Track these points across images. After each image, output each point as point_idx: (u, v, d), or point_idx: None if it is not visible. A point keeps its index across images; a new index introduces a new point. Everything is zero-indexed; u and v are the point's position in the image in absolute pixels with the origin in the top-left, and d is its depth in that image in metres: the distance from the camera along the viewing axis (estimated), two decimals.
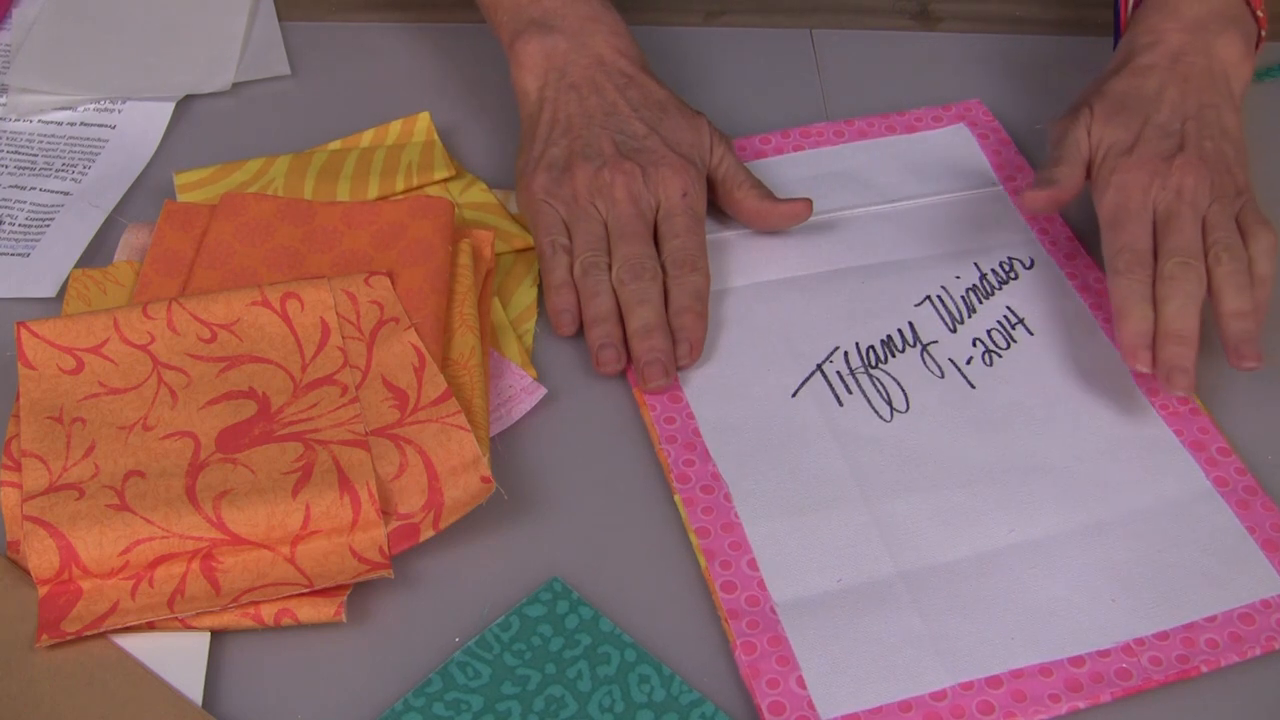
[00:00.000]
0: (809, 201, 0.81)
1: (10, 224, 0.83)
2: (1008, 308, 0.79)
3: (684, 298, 0.75)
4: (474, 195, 0.84)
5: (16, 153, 0.88)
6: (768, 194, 0.81)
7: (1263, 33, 0.83)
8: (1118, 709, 0.62)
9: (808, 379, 0.75)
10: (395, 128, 0.88)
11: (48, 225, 0.82)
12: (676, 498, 0.69)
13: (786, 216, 0.81)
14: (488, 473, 0.67)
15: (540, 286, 0.80)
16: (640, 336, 0.74)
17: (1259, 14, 0.82)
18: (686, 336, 0.75)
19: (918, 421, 0.73)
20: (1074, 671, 0.63)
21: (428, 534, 0.65)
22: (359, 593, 0.65)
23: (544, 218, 0.78)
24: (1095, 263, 0.81)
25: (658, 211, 0.79)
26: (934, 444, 0.72)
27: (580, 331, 0.76)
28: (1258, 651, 0.64)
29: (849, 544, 0.68)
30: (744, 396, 0.74)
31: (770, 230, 0.82)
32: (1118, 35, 0.86)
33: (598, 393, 0.75)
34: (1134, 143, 0.77)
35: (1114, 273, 0.74)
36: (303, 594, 0.63)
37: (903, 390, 0.75)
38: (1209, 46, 0.80)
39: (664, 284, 0.76)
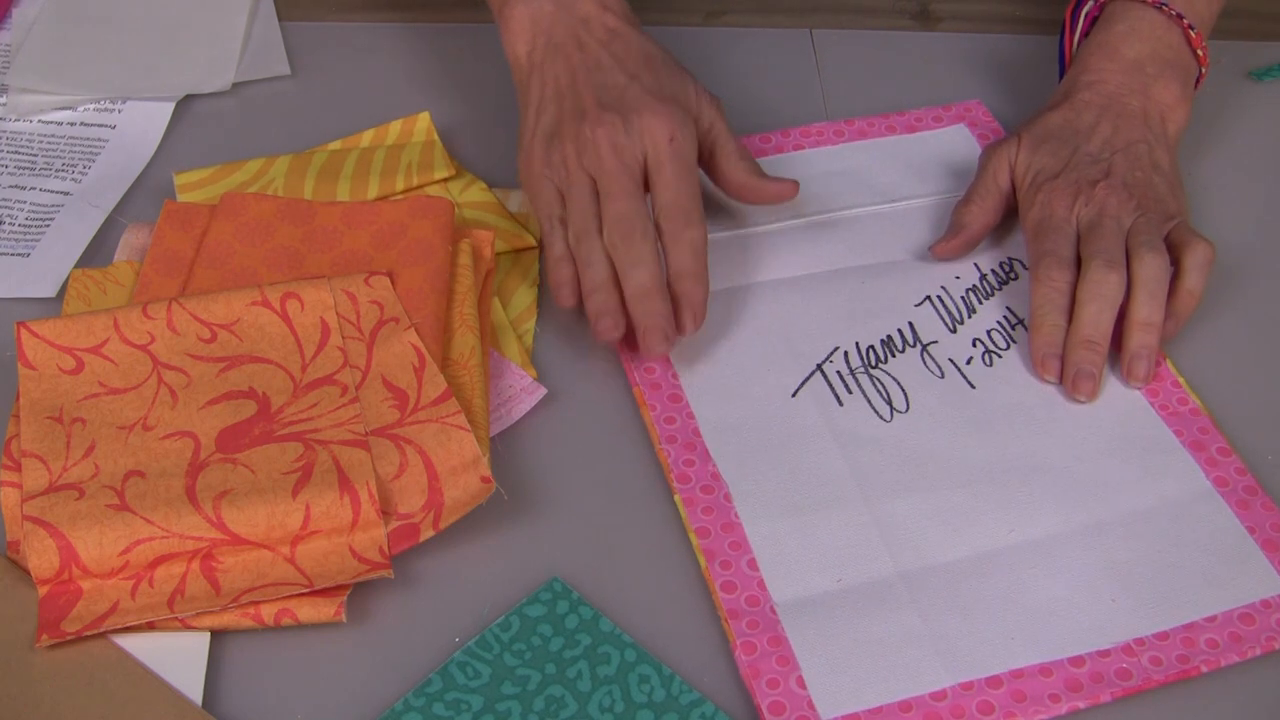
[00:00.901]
0: (796, 183, 0.80)
1: (10, 224, 0.83)
2: (1008, 308, 0.79)
3: (683, 258, 0.73)
4: (474, 195, 0.84)
5: (16, 153, 0.88)
6: (757, 169, 0.80)
7: (1204, 70, 0.84)
8: (1118, 709, 0.62)
9: (808, 379, 0.75)
10: (395, 128, 0.88)
11: (48, 225, 0.82)
12: (676, 498, 0.69)
13: (774, 196, 0.80)
14: (488, 473, 0.67)
15: (540, 286, 0.80)
16: (637, 301, 0.72)
17: (1199, 52, 0.83)
18: (689, 303, 0.73)
19: (918, 421, 0.73)
20: (1074, 671, 0.63)
21: (428, 534, 0.65)
22: (359, 593, 0.65)
23: (542, 194, 0.77)
24: None
25: (646, 161, 0.76)
26: (934, 444, 0.72)
27: (581, 309, 0.75)
28: (1258, 651, 0.64)
29: (849, 544, 0.68)
30: (744, 396, 0.74)
31: (754, 206, 0.82)
32: (1062, 71, 0.88)
33: (598, 393, 0.75)
34: (1061, 170, 0.79)
35: (1036, 279, 0.76)
36: (303, 594, 0.63)
37: (903, 390, 0.75)
38: (1146, 89, 0.81)
39: (659, 240, 0.74)
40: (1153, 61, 0.82)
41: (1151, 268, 0.74)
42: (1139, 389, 0.74)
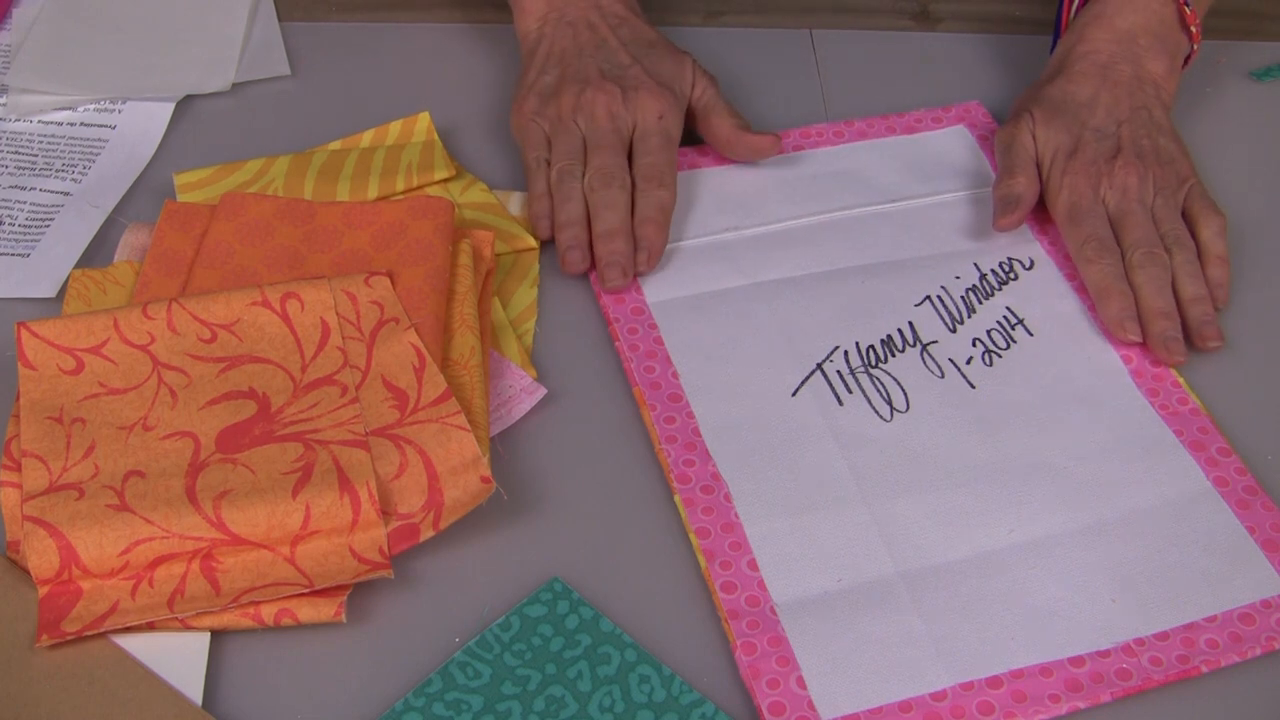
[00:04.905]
0: (777, 137, 0.86)
1: (10, 224, 0.83)
2: (1007, 308, 0.79)
3: (649, 209, 0.80)
4: (474, 195, 0.84)
5: (16, 153, 0.88)
6: (744, 124, 0.85)
7: (1196, 46, 0.87)
8: (1118, 709, 0.62)
9: (808, 378, 0.75)
10: (395, 128, 0.88)
11: (48, 225, 0.82)
12: (676, 498, 0.69)
13: (753, 148, 0.85)
14: (488, 473, 0.67)
15: (540, 286, 0.80)
16: (604, 239, 0.79)
17: (1193, 29, 0.86)
18: (647, 245, 0.79)
19: (918, 421, 0.73)
20: (1074, 671, 0.63)
21: (428, 534, 0.65)
22: (359, 593, 0.65)
23: (531, 135, 0.84)
24: None
25: (635, 132, 0.83)
26: (934, 444, 0.72)
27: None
28: (1258, 651, 0.64)
29: (849, 544, 0.68)
30: (744, 396, 0.74)
31: (739, 160, 0.87)
32: (1057, 37, 0.90)
33: (598, 393, 0.75)
34: (1075, 146, 0.82)
35: (1085, 261, 0.79)
36: (303, 594, 0.63)
37: (903, 390, 0.75)
38: (1137, 59, 0.85)
39: (632, 196, 0.81)
40: (1144, 33, 0.85)
41: (1180, 257, 0.79)
42: (1217, 348, 0.76)
